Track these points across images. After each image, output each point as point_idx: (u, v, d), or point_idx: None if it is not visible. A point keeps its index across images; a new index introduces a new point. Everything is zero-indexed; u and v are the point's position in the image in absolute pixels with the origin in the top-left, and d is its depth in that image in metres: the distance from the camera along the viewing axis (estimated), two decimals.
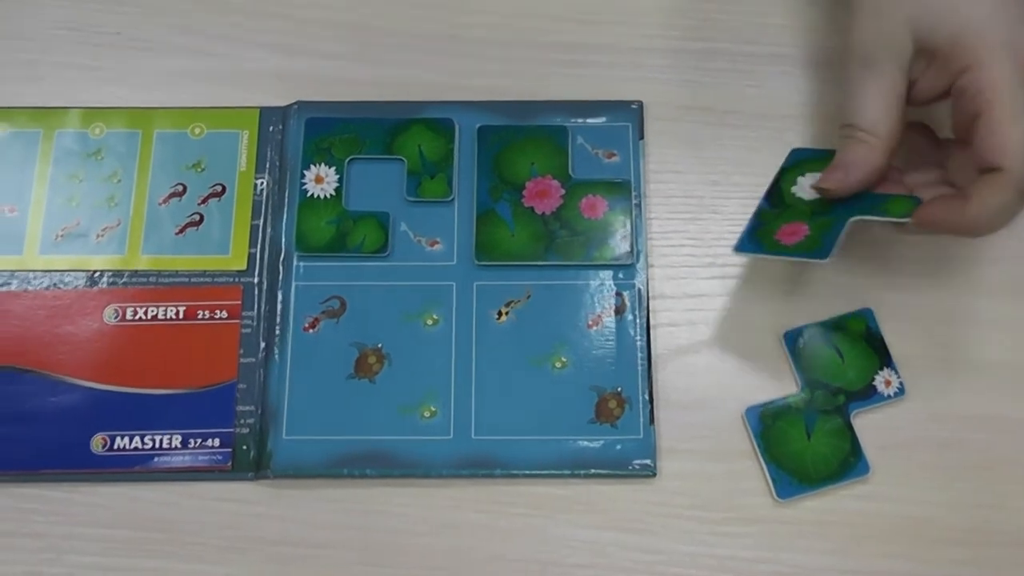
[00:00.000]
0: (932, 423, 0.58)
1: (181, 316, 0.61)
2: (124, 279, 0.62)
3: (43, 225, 0.63)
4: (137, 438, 0.59)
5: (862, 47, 0.55)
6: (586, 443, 0.58)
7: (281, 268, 0.62)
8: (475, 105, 0.65)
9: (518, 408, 0.59)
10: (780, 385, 0.59)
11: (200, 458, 0.58)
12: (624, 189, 0.62)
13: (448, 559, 0.57)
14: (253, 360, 0.60)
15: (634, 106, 0.65)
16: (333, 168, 0.63)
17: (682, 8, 0.67)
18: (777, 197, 0.59)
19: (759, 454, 0.58)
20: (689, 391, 0.59)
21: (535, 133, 0.64)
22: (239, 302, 0.61)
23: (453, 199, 0.63)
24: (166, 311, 0.61)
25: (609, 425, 0.58)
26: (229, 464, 0.58)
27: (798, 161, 0.60)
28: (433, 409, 0.59)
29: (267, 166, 0.64)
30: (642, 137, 0.64)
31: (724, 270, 0.62)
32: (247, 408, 0.59)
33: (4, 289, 0.62)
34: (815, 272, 0.61)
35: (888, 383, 0.59)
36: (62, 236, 0.63)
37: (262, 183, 0.64)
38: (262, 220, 0.63)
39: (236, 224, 0.63)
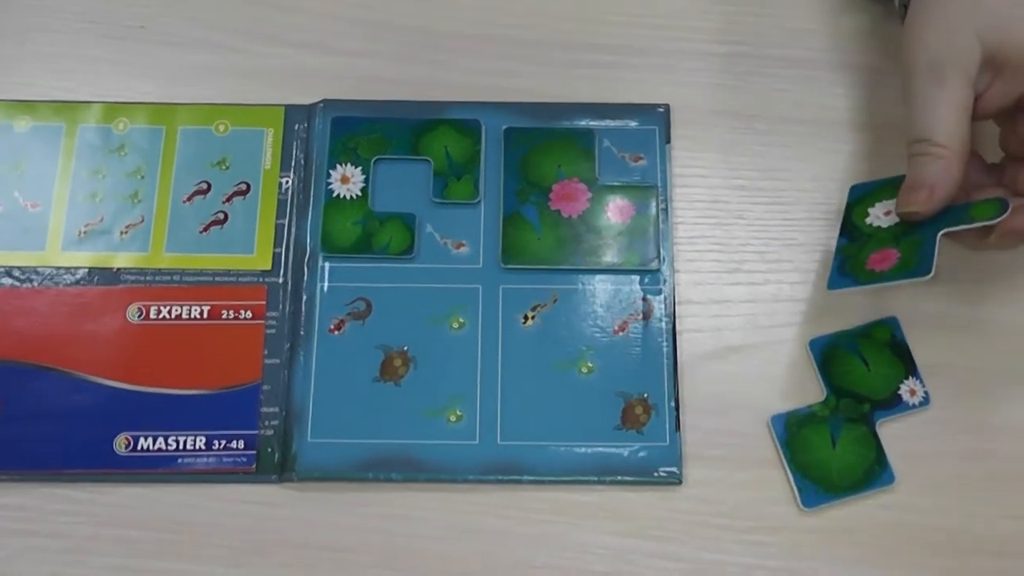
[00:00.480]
0: (958, 433, 0.58)
1: (205, 316, 0.61)
2: (148, 277, 0.61)
3: (66, 221, 0.63)
4: (161, 439, 0.59)
5: (930, 60, 0.54)
6: (612, 449, 0.58)
7: (306, 269, 0.61)
8: (501, 106, 0.64)
9: (544, 413, 0.59)
10: (805, 393, 0.59)
11: (224, 460, 0.58)
12: (651, 193, 0.62)
13: (472, 565, 0.57)
14: (278, 361, 0.60)
15: (660, 109, 0.64)
16: (359, 168, 0.63)
17: (708, 11, 0.67)
18: (854, 231, 0.59)
19: (784, 462, 0.58)
20: (714, 398, 0.59)
21: (562, 135, 0.64)
22: (264, 302, 0.61)
23: (479, 201, 0.62)
24: (190, 310, 0.61)
25: (635, 431, 0.58)
26: (253, 466, 0.58)
27: (861, 195, 0.60)
28: (459, 413, 0.59)
29: (292, 165, 0.64)
30: (668, 141, 0.64)
31: (750, 276, 0.62)
32: (271, 410, 0.59)
33: (26, 286, 0.61)
34: None
35: (913, 392, 0.59)
36: (85, 232, 0.62)
37: (287, 182, 0.63)
38: (287, 220, 0.62)
39: (261, 223, 0.62)
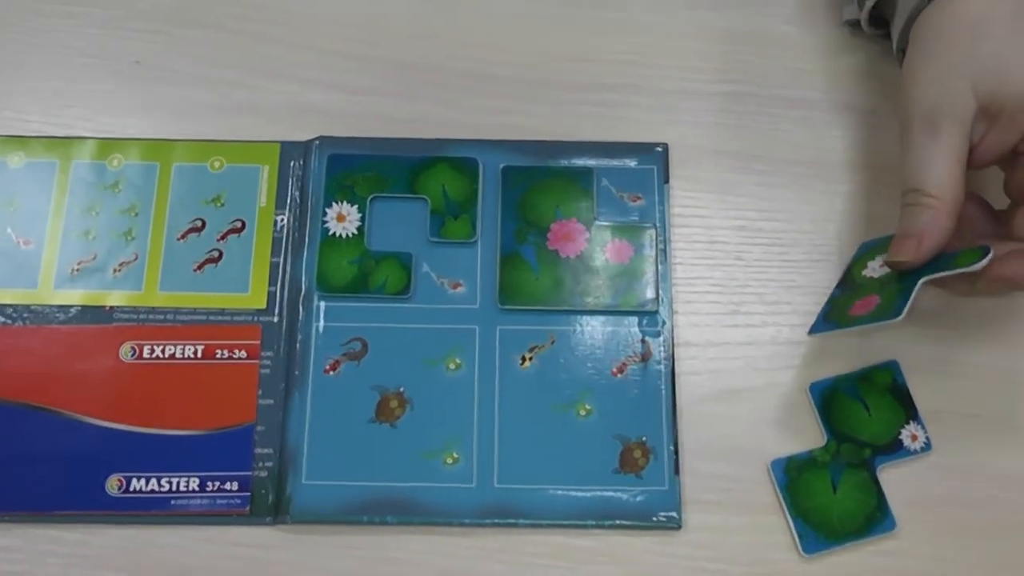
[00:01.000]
0: (959, 480, 0.58)
1: (199, 355, 0.60)
2: (141, 316, 0.61)
3: (58, 258, 0.62)
4: (154, 480, 0.58)
5: (924, 110, 0.54)
6: (610, 493, 0.57)
7: (301, 308, 0.61)
8: (499, 144, 0.64)
9: (542, 456, 0.58)
10: (805, 437, 0.59)
11: (218, 502, 0.58)
12: (649, 234, 0.62)
13: None
14: (272, 402, 0.59)
15: (659, 149, 0.64)
16: (355, 206, 0.62)
17: (708, 50, 0.67)
18: (849, 283, 0.59)
19: (785, 508, 0.57)
20: (713, 441, 0.59)
21: (560, 174, 0.63)
22: (258, 342, 0.60)
23: (476, 240, 0.62)
24: (184, 350, 0.60)
25: (634, 475, 0.58)
26: (247, 508, 0.57)
27: (868, 250, 0.59)
28: (456, 456, 0.58)
29: (288, 202, 0.63)
30: (667, 180, 0.63)
31: (749, 318, 0.61)
32: (266, 451, 0.58)
33: (18, 324, 0.61)
34: None
35: (915, 437, 0.58)
36: (78, 270, 0.62)
37: (282, 220, 0.63)
38: (282, 258, 0.62)
39: (256, 261, 0.62)
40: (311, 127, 0.65)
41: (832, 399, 0.59)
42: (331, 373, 0.60)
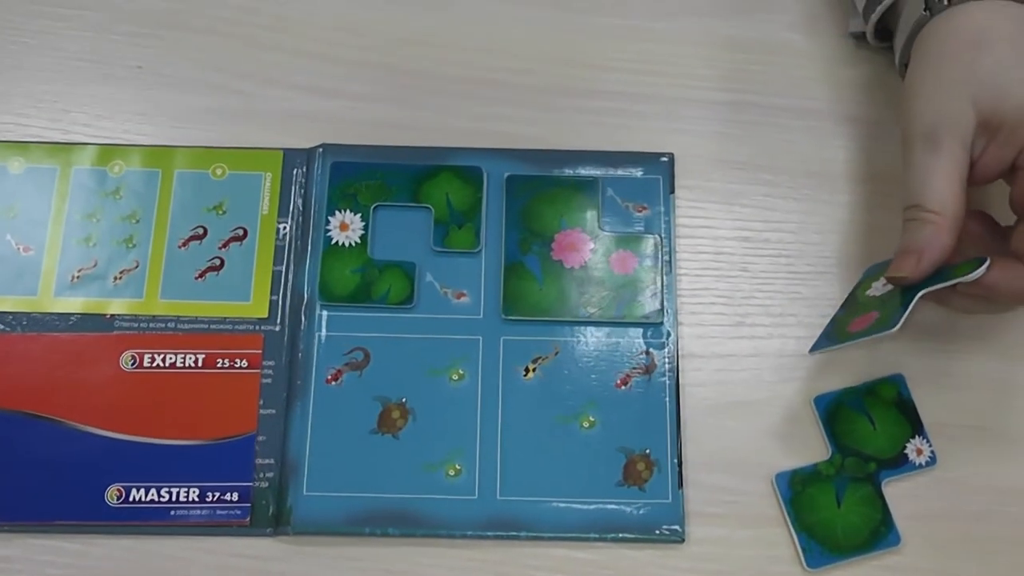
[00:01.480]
0: (964, 494, 0.58)
1: (200, 364, 0.60)
2: (142, 324, 0.60)
3: (59, 265, 0.61)
4: (153, 490, 0.57)
5: (923, 126, 0.54)
6: (613, 506, 0.57)
7: (303, 317, 0.60)
8: (504, 153, 0.64)
9: (545, 469, 0.58)
10: (810, 450, 0.58)
11: (218, 512, 0.57)
12: (654, 244, 0.61)
13: None
14: (273, 412, 0.59)
15: (664, 159, 0.64)
16: (358, 215, 0.62)
17: (714, 59, 0.67)
18: (851, 303, 0.58)
19: (789, 521, 0.57)
20: (717, 454, 0.59)
21: (564, 184, 0.63)
22: (260, 351, 0.60)
23: (480, 250, 0.61)
24: (185, 359, 0.60)
25: (637, 488, 0.57)
26: (247, 519, 0.57)
27: (873, 273, 0.59)
28: (458, 467, 0.58)
29: (290, 210, 0.63)
30: (673, 191, 0.63)
31: (753, 330, 0.61)
32: (267, 462, 0.58)
33: (18, 332, 0.60)
34: None
35: (920, 452, 0.58)
36: (78, 277, 0.61)
37: (285, 228, 0.62)
38: (284, 267, 0.62)
39: (257, 270, 0.61)
40: (314, 135, 0.64)
41: (837, 412, 0.58)
42: (333, 383, 0.59)
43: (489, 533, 0.57)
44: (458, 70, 0.66)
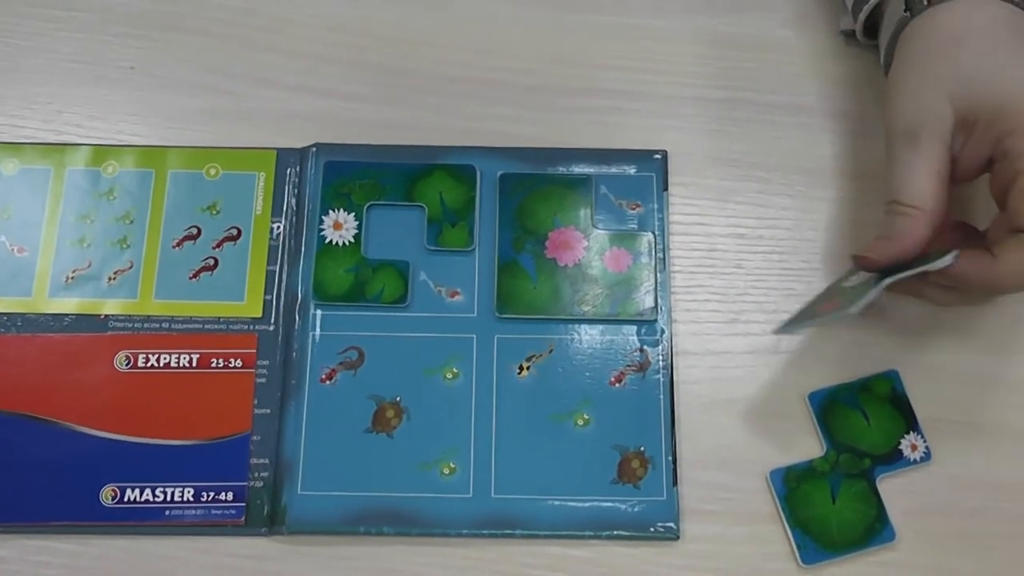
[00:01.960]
0: (959, 490, 0.58)
1: (194, 364, 0.60)
2: (136, 324, 0.60)
3: (53, 266, 0.61)
4: (148, 490, 0.57)
5: (904, 123, 0.55)
6: (608, 504, 0.57)
7: (297, 316, 0.60)
8: (497, 151, 0.64)
9: (539, 467, 0.58)
10: (804, 447, 0.58)
11: (213, 512, 0.57)
12: (648, 242, 0.61)
13: None
14: (268, 411, 0.59)
15: (657, 156, 0.64)
16: (352, 214, 0.62)
17: (706, 56, 0.67)
18: (828, 292, 0.59)
19: (783, 518, 0.57)
20: (712, 451, 0.59)
21: (558, 182, 0.63)
22: (254, 351, 0.60)
23: (474, 249, 0.61)
24: (179, 359, 0.60)
25: (632, 486, 0.57)
26: (242, 519, 0.57)
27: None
28: (452, 466, 0.58)
29: (284, 210, 0.63)
30: (666, 188, 0.63)
31: (748, 327, 0.61)
32: (261, 461, 0.58)
33: (12, 332, 0.60)
34: (841, 333, 0.60)
35: (914, 447, 0.58)
36: (73, 278, 0.61)
37: (278, 228, 0.62)
38: (278, 266, 0.62)
39: (251, 270, 0.61)
40: (307, 134, 0.64)
41: (832, 409, 0.58)
42: (327, 382, 0.59)
43: (484, 531, 0.57)
44: (451, 69, 0.66)
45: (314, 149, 0.64)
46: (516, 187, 0.63)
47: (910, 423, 0.58)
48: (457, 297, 0.61)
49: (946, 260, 0.52)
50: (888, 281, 0.53)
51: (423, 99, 0.65)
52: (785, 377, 0.60)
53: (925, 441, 0.58)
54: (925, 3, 0.57)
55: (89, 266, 0.61)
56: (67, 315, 0.60)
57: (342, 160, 0.63)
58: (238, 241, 0.62)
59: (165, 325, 0.60)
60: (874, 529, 0.56)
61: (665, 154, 0.64)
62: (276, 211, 0.63)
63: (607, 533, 0.57)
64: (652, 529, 0.57)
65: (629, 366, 0.59)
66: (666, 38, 0.67)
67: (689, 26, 0.67)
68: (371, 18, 0.68)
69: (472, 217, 0.62)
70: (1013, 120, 0.53)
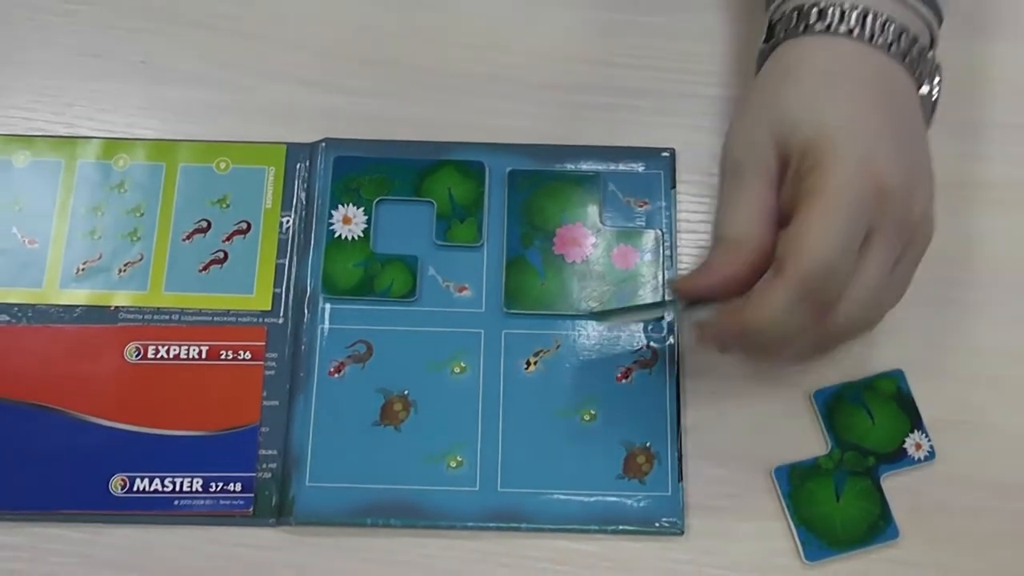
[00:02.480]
0: (962, 489, 0.58)
1: (204, 356, 0.60)
2: (146, 316, 0.61)
3: (64, 258, 0.62)
4: (157, 480, 0.58)
5: (732, 158, 0.54)
6: (613, 499, 0.57)
7: (306, 310, 0.61)
8: (506, 148, 0.64)
9: (545, 461, 0.58)
10: (809, 445, 0.59)
11: (221, 503, 0.58)
12: (655, 239, 0.62)
13: None
14: (276, 403, 0.59)
15: (665, 154, 0.64)
16: (361, 208, 0.62)
17: (714, 54, 0.67)
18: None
19: (788, 515, 0.57)
20: (717, 447, 0.59)
21: (566, 179, 0.63)
22: (263, 343, 0.60)
23: (482, 244, 0.62)
24: (189, 350, 0.60)
25: (637, 481, 0.58)
26: (251, 510, 0.57)
27: None
28: (459, 459, 0.58)
29: (293, 204, 0.63)
30: (674, 186, 0.63)
31: None
32: (270, 452, 0.58)
33: (23, 323, 0.60)
34: None
35: (919, 446, 0.58)
36: (83, 270, 0.62)
37: (288, 221, 0.63)
38: (287, 260, 0.62)
39: (261, 263, 0.62)
40: (317, 129, 0.64)
41: (836, 407, 0.59)
42: (336, 375, 0.60)
43: (490, 524, 0.57)
44: (461, 65, 0.66)
45: (324, 144, 0.64)
46: (525, 183, 0.63)
47: (915, 422, 0.59)
48: (465, 292, 0.61)
49: (661, 312, 0.53)
50: (694, 312, 0.54)
51: (433, 95, 0.66)
52: (791, 375, 0.60)
53: (929, 440, 0.58)
54: (782, 35, 0.55)
55: (100, 258, 0.62)
56: (78, 306, 0.61)
57: (352, 155, 0.64)
58: (248, 234, 0.62)
59: (175, 317, 0.61)
60: (878, 527, 0.57)
61: (673, 152, 0.64)
62: (286, 205, 0.63)
63: (612, 527, 0.57)
64: (657, 524, 0.57)
65: (636, 362, 0.60)
66: (676, 35, 0.67)
67: (698, 24, 0.68)
68: (382, 14, 0.68)
69: (481, 213, 0.62)
70: (813, 158, 0.50)
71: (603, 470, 0.58)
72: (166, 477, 0.58)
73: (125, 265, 0.62)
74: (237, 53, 0.67)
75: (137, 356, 0.60)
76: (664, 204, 0.63)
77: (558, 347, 0.60)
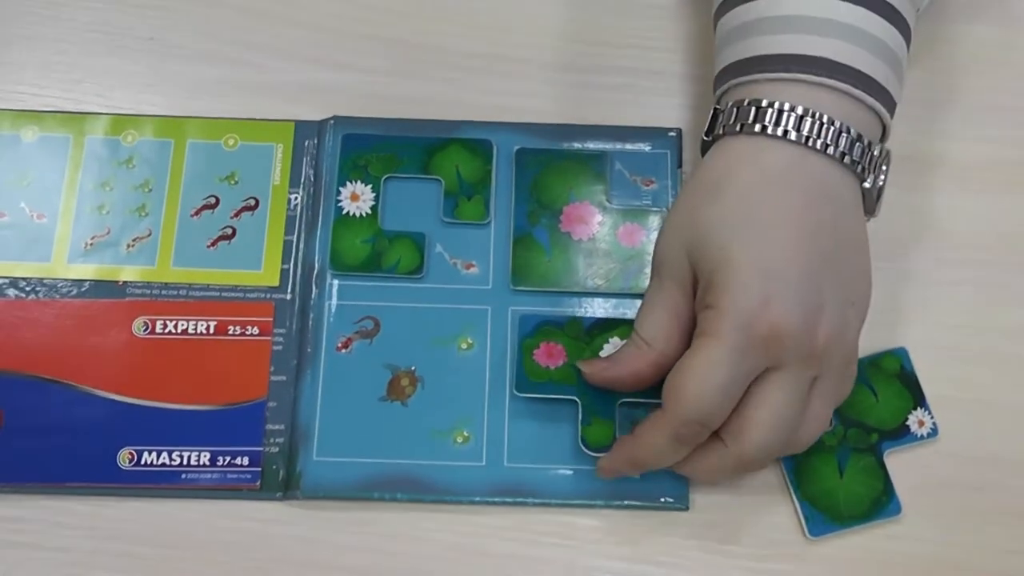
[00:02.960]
0: (965, 466, 0.58)
1: (212, 331, 0.60)
2: (154, 291, 0.61)
3: (72, 233, 0.62)
4: (165, 454, 0.58)
5: (656, 257, 0.55)
6: None
7: (314, 286, 0.61)
8: (514, 127, 0.64)
9: (551, 436, 0.58)
10: None
11: (228, 476, 0.58)
12: (661, 218, 0.62)
13: None
14: (284, 378, 0.60)
15: (672, 134, 0.64)
16: (369, 186, 0.63)
17: None
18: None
19: (792, 490, 0.58)
20: None
21: (573, 157, 0.64)
22: (271, 319, 0.61)
23: (490, 222, 0.62)
24: (196, 325, 0.60)
25: None
26: (258, 483, 0.58)
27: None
28: (466, 435, 0.58)
29: (301, 181, 0.63)
30: (680, 165, 0.64)
31: None
32: (277, 427, 0.59)
33: (32, 297, 0.61)
34: None
35: (921, 423, 0.59)
36: (91, 245, 0.62)
37: (296, 198, 0.63)
38: (295, 236, 0.62)
39: (269, 239, 0.62)
40: (325, 107, 0.65)
41: None
42: (343, 351, 0.60)
43: (496, 499, 0.57)
44: (469, 44, 0.67)
45: (332, 121, 0.64)
46: (532, 162, 0.63)
47: (918, 399, 0.59)
48: (472, 269, 0.61)
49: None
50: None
51: (441, 73, 0.66)
52: None
53: (932, 417, 0.59)
54: (720, 132, 0.55)
55: (108, 233, 0.62)
56: (86, 280, 0.61)
57: (360, 132, 0.64)
58: (256, 211, 0.63)
59: (183, 292, 0.61)
60: (880, 503, 0.57)
61: (679, 132, 0.64)
62: (294, 182, 0.63)
63: (617, 503, 0.57)
64: (662, 499, 0.57)
65: None
66: (683, 16, 0.68)
67: (705, 4, 0.68)
68: None
69: (488, 191, 0.63)
70: (714, 293, 0.51)
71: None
72: (174, 451, 0.58)
73: (133, 240, 0.62)
74: (246, 30, 0.67)
75: (145, 331, 0.60)
76: (670, 183, 0.63)
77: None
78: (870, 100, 0.54)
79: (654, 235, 0.62)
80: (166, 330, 0.60)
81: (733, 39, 0.57)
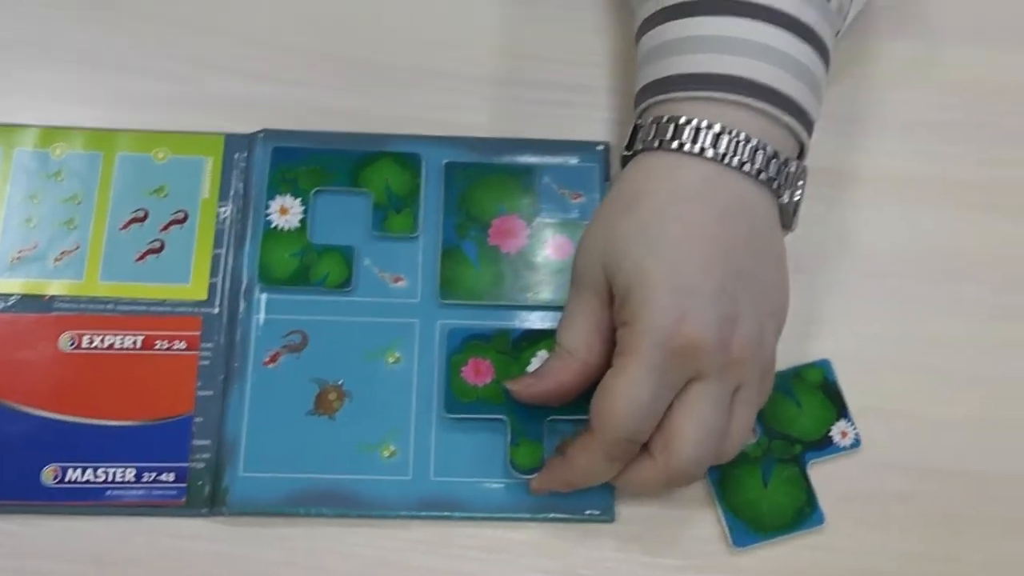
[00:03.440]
0: (887, 476, 0.59)
1: (139, 346, 0.60)
2: (81, 305, 0.61)
3: None
4: (90, 470, 0.58)
5: (575, 268, 0.56)
6: None
7: (242, 300, 0.61)
8: (442, 140, 0.64)
9: (478, 450, 0.58)
10: None
11: (154, 493, 0.58)
12: None
13: None
14: (211, 393, 0.59)
15: (600, 147, 0.65)
16: (298, 199, 0.63)
17: None
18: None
19: (716, 501, 0.58)
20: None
21: (502, 171, 0.64)
22: (198, 333, 0.60)
23: (419, 235, 0.62)
24: (124, 340, 0.60)
25: None
26: (183, 500, 0.57)
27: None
28: (393, 449, 0.58)
29: (231, 194, 0.63)
30: (608, 179, 0.64)
31: None
32: (203, 442, 0.59)
33: None
34: None
35: (844, 434, 0.59)
36: (18, 259, 0.61)
37: (225, 212, 0.63)
38: (224, 250, 0.62)
39: (197, 253, 0.62)
40: (255, 120, 0.65)
41: None
42: (270, 365, 0.60)
43: (422, 513, 0.57)
44: (399, 58, 0.67)
45: (262, 135, 0.64)
46: (461, 175, 0.64)
47: (841, 411, 0.60)
48: (400, 283, 0.62)
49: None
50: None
51: (371, 88, 0.66)
52: None
53: (855, 428, 0.59)
54: (639, 147, 0.55)
55: (35, 247, 0.62)
56: (12, 295, 0.61)
57: (289, 146, 0.64)
58: (184, 224, 0.63)
59: (110, 307, 0.61)
60: (804, 513, 0.58)
61: (607, 146, 0.65)
62: (223, 195, 0.63)
63: (543, 516, 0.58)
64: (587, 512, 0.58)
65: None
66: (611, 32, 0.68)
67: (629, 21, 0.68)
68: (321, 5, 0.68)
69: (417, 204, 0.63)
70: (630, 309, 0.51)
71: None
72: (99, 467, 0.58)
73: (61, 254, 0.62)
74: (177, 43, 0.67)
75: (71, 346, 0.60)
76: (598, 196, 0.64)
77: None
78: (786, 119, 0.55)
79: None
80: (92, 345, 0.60)
81: (654, 57, 0.57)
